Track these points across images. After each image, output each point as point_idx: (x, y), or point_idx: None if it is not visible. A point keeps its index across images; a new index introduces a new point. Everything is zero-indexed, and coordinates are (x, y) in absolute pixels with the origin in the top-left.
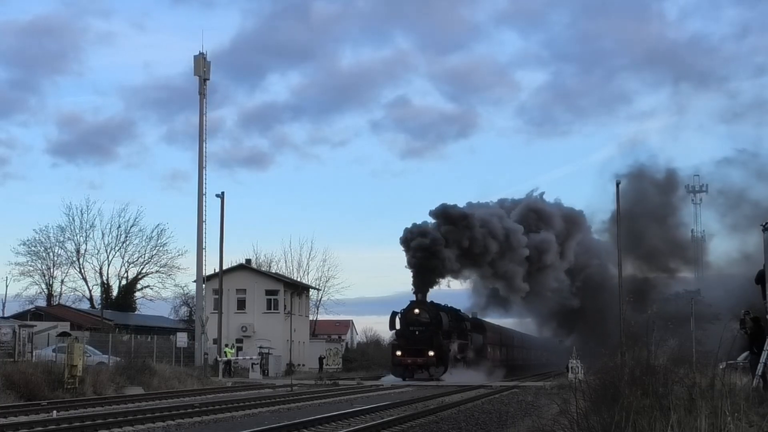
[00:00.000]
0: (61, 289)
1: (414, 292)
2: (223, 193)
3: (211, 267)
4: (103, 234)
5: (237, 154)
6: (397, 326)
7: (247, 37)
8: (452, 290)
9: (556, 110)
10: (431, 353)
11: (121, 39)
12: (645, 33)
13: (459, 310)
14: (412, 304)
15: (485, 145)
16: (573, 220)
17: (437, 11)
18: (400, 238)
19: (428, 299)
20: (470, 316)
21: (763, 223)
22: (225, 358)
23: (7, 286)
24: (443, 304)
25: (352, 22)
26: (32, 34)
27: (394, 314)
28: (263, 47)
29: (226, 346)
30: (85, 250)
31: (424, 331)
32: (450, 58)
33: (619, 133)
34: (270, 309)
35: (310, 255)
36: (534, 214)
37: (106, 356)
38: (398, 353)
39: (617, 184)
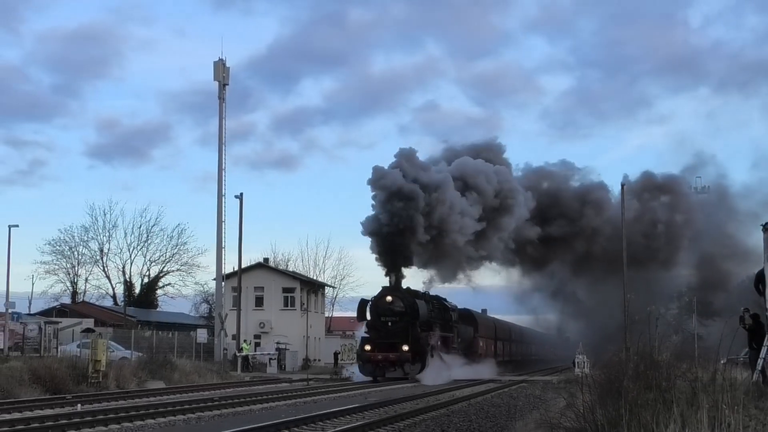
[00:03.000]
0: (85, 286)
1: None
2: (241, 194)
3: (230, 265)
4: (125, 233)
5: (267, 156)
6: (368, 317)
7: (284, 43)
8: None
9: (578, 114)
10: (405, 348)
11: (161, 45)
12: (669, 39)
13: (444, 299)
14: (384, 291)
15: (508, 147)
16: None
17: (469, 18)
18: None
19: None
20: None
21: (763, 224)
22: (242, 353)
23: (33, 284)
24: (423, 291)
25: (386, 29)
26: (76, 41)
27: (363, 302)
28: (299, 53)
29: (244, 342)
30: (108, 249)
31: (397, 322)
32: (478, 63)
33: (638, 134)
34: (287, 306)
35: (326, 254)
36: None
37: (129, 351)
38: (367, 348)
39: (622, 186)
